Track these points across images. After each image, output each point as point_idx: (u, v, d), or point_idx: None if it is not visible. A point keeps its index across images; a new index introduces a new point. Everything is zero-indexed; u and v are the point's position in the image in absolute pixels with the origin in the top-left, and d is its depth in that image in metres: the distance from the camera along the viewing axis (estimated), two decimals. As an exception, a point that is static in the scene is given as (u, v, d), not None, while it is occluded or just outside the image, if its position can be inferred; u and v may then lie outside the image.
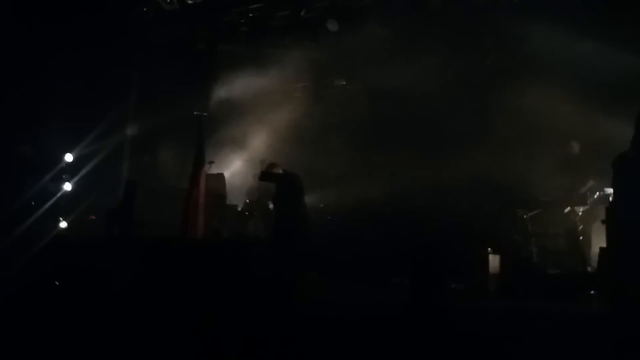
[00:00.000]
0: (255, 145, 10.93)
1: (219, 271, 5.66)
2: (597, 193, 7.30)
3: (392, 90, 9.84)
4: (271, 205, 8.53)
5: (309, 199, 9.55)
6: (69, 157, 9.31)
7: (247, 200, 10.04)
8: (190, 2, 9.02)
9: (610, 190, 6.35)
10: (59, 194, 8.96)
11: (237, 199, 10.32)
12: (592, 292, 6.25)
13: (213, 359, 3.44)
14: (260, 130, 10.96)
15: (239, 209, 9.95)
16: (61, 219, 8.82)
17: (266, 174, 6.76)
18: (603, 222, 5.85)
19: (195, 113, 7.30)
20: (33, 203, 8.44)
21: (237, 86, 10.82)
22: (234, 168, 10.98)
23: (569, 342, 4.04)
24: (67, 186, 9.32)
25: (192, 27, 9.70)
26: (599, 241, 6.47)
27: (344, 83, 10.99)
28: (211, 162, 9.11)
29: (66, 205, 9.05)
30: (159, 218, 7.30)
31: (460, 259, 7.08)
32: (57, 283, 5.76)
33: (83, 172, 9.42)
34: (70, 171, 9.32)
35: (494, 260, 7.19)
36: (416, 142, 8.89)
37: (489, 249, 7.19)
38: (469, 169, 7.91)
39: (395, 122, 9.13)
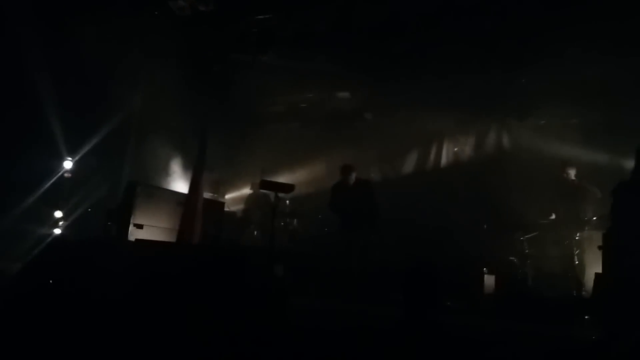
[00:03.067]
0: (258, 153, 11.01)
1: (213, 278, 5.65)
2: (594, 218, 7.35)
3: (396, 105, 9.92)
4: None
5: (311, 211, 9.61)
6: (68, 164, 9.44)
7: (246, 208, 10.08)
8: (202, 9, 9.07)
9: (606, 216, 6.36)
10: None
11: (236, 205, 10.37)
12: (586, 317, 6.25)
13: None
14: (264, 139, 11.05)
15: (238, 216, 9.98)
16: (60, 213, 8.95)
17: (267, 182, 6.75)
18: (599, 247, 5.85)
19: (199, 118, 7.30)
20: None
21: (244, 94, 10.90)
22: (235, 176, 11.05)
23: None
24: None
25: (203, 34, 9.76)
26: (594, 266, 6.48)
27: (349, 96, 11.06)
28: (212, 169, 9.12)
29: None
30: (157, 221, 7.29)
31: (456, 277, 7.10)
32: (50, 281, 5.75)
33: (86, 172, 9.51)
34: (72, 172, 9.43)
35: (489, 281, 7.21)
36: (416, 159, 8.96)
37: (485, 269, 7.22)
38: (469, 189, 7.95)
39: (397, 138, 9.20)
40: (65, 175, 9.29)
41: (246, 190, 10.64)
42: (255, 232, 9.27)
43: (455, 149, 9.40)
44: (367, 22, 8.94)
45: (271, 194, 6.69)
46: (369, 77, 10.12)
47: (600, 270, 5.85)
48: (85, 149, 9.37)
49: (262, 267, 6.46)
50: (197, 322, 4.61)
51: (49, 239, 7.86)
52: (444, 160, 9.54)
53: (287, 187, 6.68)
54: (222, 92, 9.94)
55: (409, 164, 9.91)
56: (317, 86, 10.63)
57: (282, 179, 9.13)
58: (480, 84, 9.02)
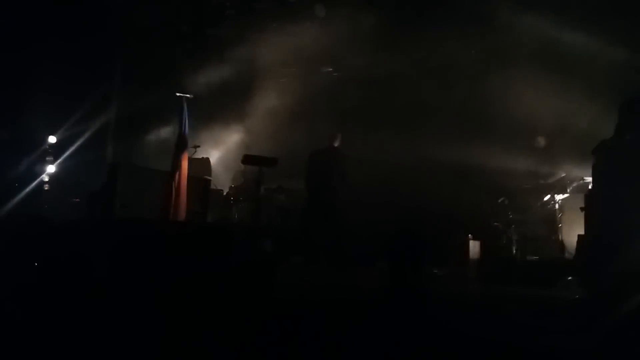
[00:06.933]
0: (241, 130, 10.94)
1: (199, 255, 5.65)
2: (576, 182, 7.42)
3: (378, 78, 9.85)
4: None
5: (293, 184, 9.58)
6: (52, 139, 9.29)
7: (232, 185, 10.04)
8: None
9: (588, 179, 6.43)
10: (42, 176, 9.01)
11: (222, 183, 10.33)
12: (569, 278, 6.35)
13: (192, 341, 3.45)
14: (246, 114, 10.96)
15: (224, 193, 9.94)
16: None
17: (249, 157, 6.72)
18: (582, 209, 5.90)
19: (178, 94, 7.16)
20: (16, 185, 8.49)
21: (223, 70, 10.77)
22: (220, 152, 10.99)
23: (546, 328, 4.10)
24: (51, 168, 9.31)
25: (178, 9, 9.60)
26: (577, 228, 6.55)
27: (331, 70, 10.97)
28: (196, 147, 9.08)
29: (50, 188, 9.08)
30: (141, 201, 7.26)
31: (442, 244, 7.17)
32: (36, 264, 5.72)
33: (67, 154, 9.42)
34: (54, 153, 9.32)
35: (474, 247, 7.29)
36: (399, 130, 8.95)
37: (470, 235, 7.28)
38: (452, 156, 7.98)
39: (380, 110, 9.18)
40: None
41: (233, 167, 10.59)
42: (243, 209, 9.26)
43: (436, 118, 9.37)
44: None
45: (255, 169, 6.68)
46: (353, 51, 10.05)
47: (582, 232, 5.92)
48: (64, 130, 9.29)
49: (248, 243, 6.49)
50: (183, 299, 4.63)
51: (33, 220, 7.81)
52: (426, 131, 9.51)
53: (270, 161, 6.67)
54: (199, 67, 9.83)
55: (393, 136, 9.85)
56: (299, 60, 10.51)
57: (268, 154, 9.08)
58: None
